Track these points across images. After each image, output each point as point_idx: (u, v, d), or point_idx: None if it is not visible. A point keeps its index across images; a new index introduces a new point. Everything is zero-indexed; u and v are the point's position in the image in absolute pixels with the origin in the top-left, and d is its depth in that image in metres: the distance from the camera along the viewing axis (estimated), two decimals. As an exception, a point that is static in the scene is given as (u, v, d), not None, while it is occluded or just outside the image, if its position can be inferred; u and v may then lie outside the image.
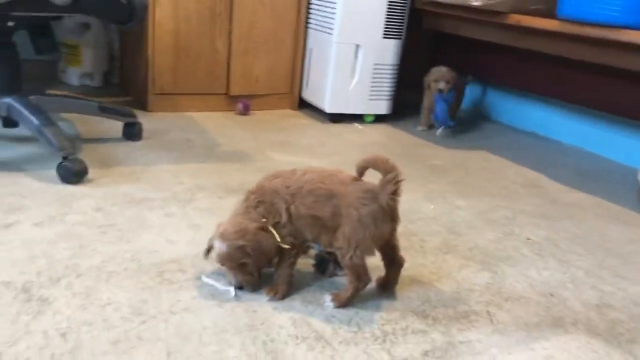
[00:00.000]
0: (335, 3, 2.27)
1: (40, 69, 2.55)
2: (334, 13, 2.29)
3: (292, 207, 1.05)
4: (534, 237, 1.47)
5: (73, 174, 1.48)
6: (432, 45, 2.87)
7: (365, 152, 2.06)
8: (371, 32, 2.33)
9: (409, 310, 1.08)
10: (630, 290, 1.24)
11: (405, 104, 2.75)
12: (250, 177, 1.66)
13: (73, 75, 2.55)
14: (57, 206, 1.35)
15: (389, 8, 2.32)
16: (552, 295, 1.19)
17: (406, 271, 1.22)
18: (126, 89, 2.53)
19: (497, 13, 2.01)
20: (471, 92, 2.96)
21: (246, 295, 1.07)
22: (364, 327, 1.01)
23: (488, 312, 1.11)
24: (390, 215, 1.06)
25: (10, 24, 1.49)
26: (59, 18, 1.63)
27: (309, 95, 2.53)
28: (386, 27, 2.35)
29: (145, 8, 1.53)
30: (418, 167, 1.95)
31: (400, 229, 1.41)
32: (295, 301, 1.07)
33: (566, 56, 1.91)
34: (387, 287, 1.14)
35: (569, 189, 1.88)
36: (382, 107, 2.50)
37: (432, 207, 1.61)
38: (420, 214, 1.54)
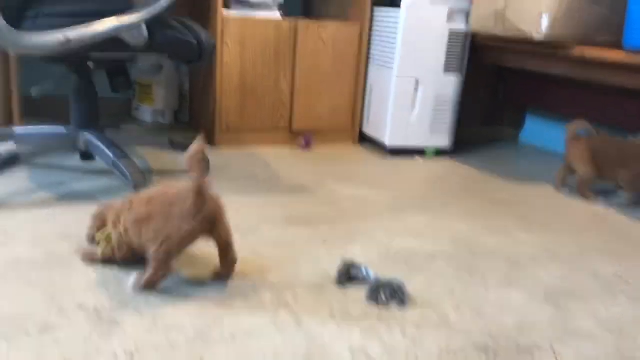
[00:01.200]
0: (395, 39, 2.32)
1: (116, 106, 2.71)
2: (394, 48, 2.33)
3: (122, 218, 1.18)
4: (602, 273, 1.42)
5: (144, 204, 1.55)
6: (494, 78, 2.85)
7: (426, 185, 2.06)
8: (432, 67, 2.36)
9: (470, 343, 1.07)
10: None
11: (466, 138, 2.74)
12: (313, 209, 1.70)
13: (146, 113, 2.69)
14: (129, 235, 1.42)
15: (449, 43, 2.34)
16: (621, 332, 1.14)
17: (466, 304, 1.20)
18: (195, 126, 2.64)
19: (561, 46, 1.99)
20: (533, 124, 2.92)
21: (307, 325, 1.09)
22: (422, 358, 1.01)
23: (552, 347, 1.08)
24: (207, 218, 1.13)
25: (91, 65, 1.61)
26: (134, 59, 1.74)
27: (369, 130, 2.56)
28: (447, 62, 2.37)
29: (213, 47, 1.62)
30: (480, 201, 1.93)
31: (460, 262, 1.41)
32: (354, 330, 1.08)
33: (634, 88, 1.86)
34: (221, 278, 1.23)
35: (640, 224, 1.81)
36: (443, 141, 2.50)
37: (494, 240, 1.58)
38: (482, 248, 1.52)
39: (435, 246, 1.50)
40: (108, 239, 1.22)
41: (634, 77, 1.84)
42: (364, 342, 1.04)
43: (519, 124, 2.98)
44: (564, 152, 2.10)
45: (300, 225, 1.57)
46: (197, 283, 1.21)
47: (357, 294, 1.21)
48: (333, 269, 1.23)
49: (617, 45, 1.86)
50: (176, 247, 1.12)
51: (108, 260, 1.24)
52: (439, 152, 2.52)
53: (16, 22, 1.42)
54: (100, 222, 1.24)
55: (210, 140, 2.37)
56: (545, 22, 1.93)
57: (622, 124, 2.35)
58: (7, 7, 1.39)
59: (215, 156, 2.18)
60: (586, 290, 1.32)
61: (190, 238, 1.13)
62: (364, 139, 2.62)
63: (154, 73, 2.64)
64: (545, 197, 2.04)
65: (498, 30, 2.13)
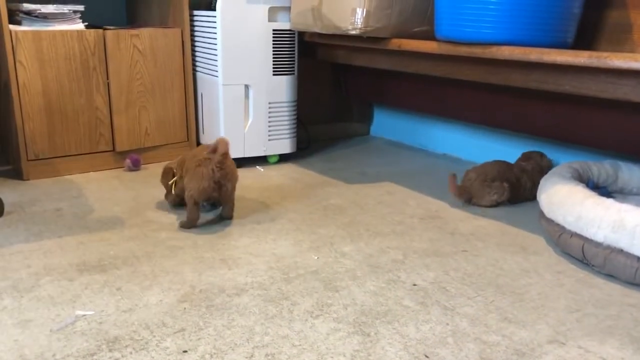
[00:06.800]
0: (215, 44, 2.15)
1: None
2: (215, 54, 2.16)
3: (177, 171, 1.76)
4: (421, 281, 1.34)
5: None
6: (336, 75, 2.77)
7: (259, 199, 1.90)
8: (259, 71, 2.21)
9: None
10: (516, 337, 1.12)
11: (315, 137, 2.64)
12: (115, 249, 1.49)
13: (-54, 148, 2.34)
14: None
15: (275, 44, 2.21)
16: (427, 357, 1.05)
17: (263, 348, 1.06)
18: (6, 155, 2.34)
19: (379, 39, 1.91)
20: (380, 118, 2.88)
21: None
22: None
23: (349, 389, 0.96)
24: (217, 182, 1.61)
25: None
26: None
27: (206, 142, 2.38)
28: (275, 64, 2.23)
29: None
30: (313, 210, 1.81)
31: (273, 292, 1.27)
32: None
33: (452, 77, 1.82)
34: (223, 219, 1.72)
35: (470, 216, 1.77)
36: (285, 146, 2.37)
37: (316, 257, 1.47)
38: (300, 269, 1.39)
39: (248, 277, 1.35)
40: (173, 186, 1.75)
41: (449, 67, 1.80)
42: None
43: (368, 118, 2.93)
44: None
45: (93, 272, 1.37)
46: None
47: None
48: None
49: (433, 35, 1.81)
50: (197, 197, 1.60)
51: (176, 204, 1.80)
52: (283, 157, 2.39)
53: None
54: (169, 175, 1.78)
55: (18, 173, 2.09)
56: (359, 17, 1.84)
57: (466, 116, 2.33)
58: None
59: (22, 192, 1.91)
60: (400, 306, 1.23)
61: (205, 192, 1.60)
62: (203, 152, 2.44)
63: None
64: (382, 196, 1.96)
65: (317, 27, 2.02)
